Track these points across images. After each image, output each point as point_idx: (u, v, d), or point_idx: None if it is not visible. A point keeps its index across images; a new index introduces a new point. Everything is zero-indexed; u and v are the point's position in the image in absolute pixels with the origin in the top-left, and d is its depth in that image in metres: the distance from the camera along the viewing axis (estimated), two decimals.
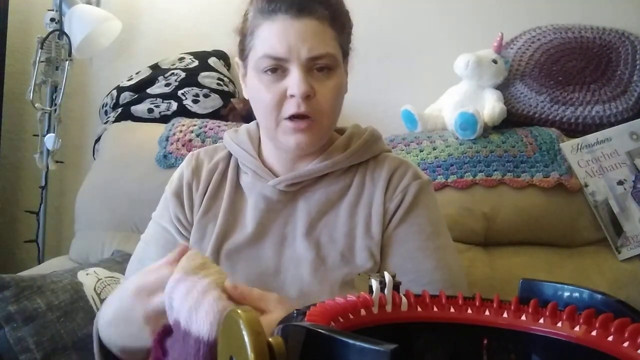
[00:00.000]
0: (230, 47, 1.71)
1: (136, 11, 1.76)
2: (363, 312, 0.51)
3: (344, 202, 0.88)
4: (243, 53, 0.85)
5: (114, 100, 1.59)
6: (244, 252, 0.85)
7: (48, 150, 1.63)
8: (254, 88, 0.82)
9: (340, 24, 0.82)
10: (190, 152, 0.96)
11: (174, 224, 0.90)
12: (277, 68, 0.79)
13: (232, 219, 0.88)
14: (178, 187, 0.91)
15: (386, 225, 0.86)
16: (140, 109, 1.53)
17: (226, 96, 1.56)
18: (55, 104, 1.64)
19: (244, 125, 0.97)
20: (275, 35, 0.78)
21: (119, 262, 1.23)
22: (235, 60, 0.89)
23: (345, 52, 0.86)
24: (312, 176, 0.87)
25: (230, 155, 0.94)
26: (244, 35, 0.83)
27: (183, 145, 1.39)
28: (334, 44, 0.80)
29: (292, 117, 0.79)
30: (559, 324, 0.50)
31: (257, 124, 0.93)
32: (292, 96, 0.78)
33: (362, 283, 0.79)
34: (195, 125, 1.44)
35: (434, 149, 1.40)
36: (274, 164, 0.90)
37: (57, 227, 1.82)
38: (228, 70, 1.67)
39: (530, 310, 0.53)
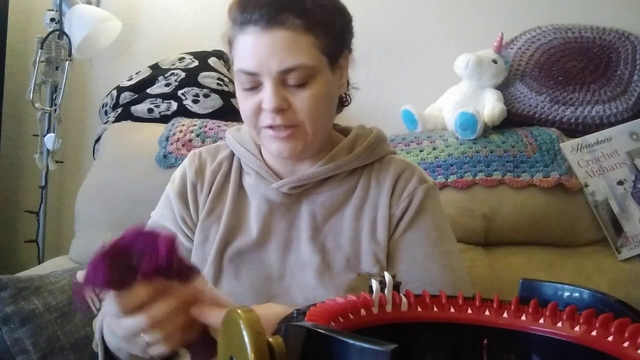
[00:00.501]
0: None
1: (136, 11, 1.76)
2: (363, 312, 0.51)
3: (348, 206, 0.86)
4: (231, 60, 0.84)
5: (114, 100, 1.59)
6: (247, 256, 0.84)
7: (48, 150, 1.63)
8: (238, 96, 0.83)
9: (320, 29, 0.77)
10: (192, 151, 0.94)
11: (178, 224, 0.88)
12: (252, 82, 0.78)
13: (235, 222, 0.87)
14: (182, 188, 0.90)
15: (392, 231, 0.85)
16: (140, 109, 1.53)
17: (226, 96, 1.56)
18: (55, 104, 1.64)
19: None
20: (246, 49, 0.77)
21: None
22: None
23: (335, 53, 0.82)
24: (316, 179, 0.86)
25: (233, 154, 0.93)
26: (229, 45, 0.82)
27: (183, 145, 1.39)
28: (310, 52, 0.76)
29: (272, 127, 0.79)
30: (559, 324, 0.50)
31: None
32: (265, 109, 0.78)
33: (362, 283, 0.79)
34: (195, 125, 1.44)
35: (434, 149, 1.40)
36: (276, 165, 0.88)
37: (57, 227, 1.82)
38: (228, 70, 1.66)
39: (530, 310, 0.53)
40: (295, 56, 0.75)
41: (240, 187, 0.90)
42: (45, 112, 1.65)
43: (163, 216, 0.90)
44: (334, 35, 0.80)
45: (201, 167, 0.91)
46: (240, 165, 0.91)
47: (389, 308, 0.53)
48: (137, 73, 1.63)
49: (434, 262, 0.85)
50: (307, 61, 0.76)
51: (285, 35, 0.75)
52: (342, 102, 0.95)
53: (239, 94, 0.81)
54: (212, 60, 1.62)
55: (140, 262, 0.56)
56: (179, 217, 0.88)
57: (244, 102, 0.80)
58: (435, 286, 0.82)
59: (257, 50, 0.76)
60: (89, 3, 1.69)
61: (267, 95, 0.76)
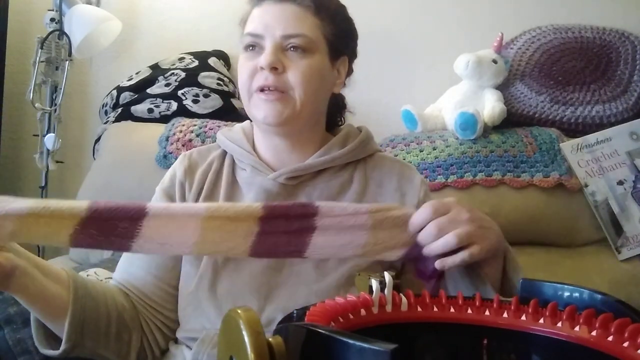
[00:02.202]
0: (230, 47, 1.72)
1: (136, 11, 1.76)
2: (363, 312, 0.51)
3: (345, 199, 0.89)
4: (241, 43, 0.88)
5: (114, 100, 1.59)
6: None
7: (48, 150, 1.63)
8: (239, 66, 0.87)
9: (326, 16, 0.85)
10: (183, 153, 0.96)
11: None
12: (255, 45, 0.84)
13: None
14: (169, 187, 0.92)
15: None
16: (140, 109, 1.53)
17: (226, 96, 1.56)
18: (55, 104, 1.64)
19: (238, 125, 0.98)
20: (257, 17, 0.85)
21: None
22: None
23: (337, 50, 0.88)
24: (312, 170, 0.89)
25: (224, 153, 0.94)
26: (243, 26, 0.88)
27: (183, 145, 1.39)
28: (313, 30, 0.84)
29: (263, 90, 0.82)
30: (559, 324, 0.50)
31: (250, 122, 0.95)
32: (262, 69, 0.82)
33: (362, 283, 0.79)
34: (195, 125, 1.44)
35: (434, 149, 1.40)
36: (270, 159, 0.90)
37: None
38: (228, 70, 1.67)
39: (530, 310, 0.53)
40: (300, 26, 0.83)
41: (233, 182, 0.91)
42: (45, 112, 1.65)
43: None
44: (337, 29, 0.87)
45: (191, 167, 0.92)
46: (233, 162, 0.93)
47: (389, 308, 0.53)
48: (137, 73, 1.63)
49: None
50: (309, 34, 0.83)
51: (295, 9, 0.83)
52: (336, 122, 1.00)
53: (241, 61, 0.86)
54: (212, 60, 1.63)
55: None
56: None
57: (244, 67, 0.85)
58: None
59: (266, 16, 0.84)
60: (89, 3, 1.69)
61: (265, 54, 0.82)
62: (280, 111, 0.82)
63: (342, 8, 0.91)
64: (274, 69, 0.81)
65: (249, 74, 0.84)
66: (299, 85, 0.82)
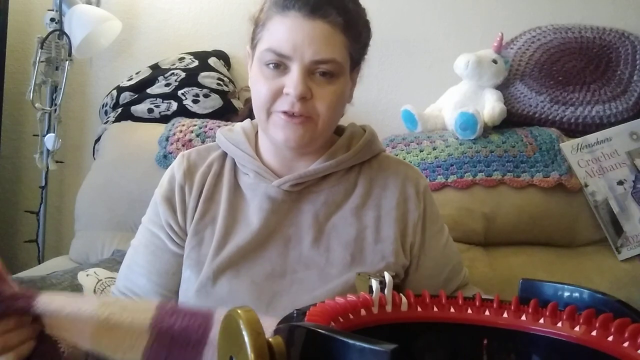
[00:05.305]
0: (230, 47, 1.72)
1: (136, 11, 1.76)
2: (363, 312, 0.51)
3: (349, 203, 0.87)
4: (252, 42, 0.84)
5: (114, 100, 1.59)
6: (247, 255, 0.83)
7: (48, 150, 1.63)
8: (255, 78, 0.82)
9: (354, 33, 0.81)
10: (181, 153, 0.92)
11: (164, 229, 0.87)
12: (279, 64, 0.78)
13: (232, 222, 0.86)
14: (169, 191, 0.88)
15: (413, 230, 0.88)
16: (140, 109, 1.53)
17: (226, 96, 1.56)
18: (55, 104, 1.64)
19: (239, 124, 0.94)
20: (283, 31, 0.77)
21: (119, 262, 1.22)
22: (247, 48, 0.87)
23: (356, 62, 0.85)
24: (317, 176, 0.86)
25: (224, 155, 0.91)
26: (257, 25, 0.83)
27: (183, 145, 1.39)
28: (342, 51, 0.79)
29: (286, 112, 0.79)
30: (559, 324, 0.50)
31: (251, 122, 0.93)
32: (287, 94, 0.78)
33: (362, 283, 0.79)
34: (195, 125, 1.44)
35: (434, 149, 1.40)
36: (273, 163, 0.88)
37: (57, 227, 1.82)
38: (228, 70, 1.67)
39: (530, 310, 0.53)
40: (331, 50, 0.77)
41: (236, 186, 0.88)
42: (45, 112, 1.65)
43: (151, 221, 0.89)
44: (360, 44, 0.84)
45: (190, 169, 0.89)
46: (235, 165, 0.90)
47: (389, 308, 0.53)
48: (137, 73, 1.63)
49: (447, 247, 0.94)
50: (339, 58, 0.78)
51: (325, 28, 0.77)
52: None
53: (259, 75, 0.80)
54: (212, 60, 1.63)
55: None
56: (164, 222, 0.87)
57: (262, 84, 0.79)
58: (459, 269, 0.95)
59: (294, 35, 0.76)
60: (89, 3, 1.69)
61: (293, 81, 0.77)
62: (302, 135, 0.80)
63: (366, 18, 0.86)
64: (302, 97, 0.77)
65: (271, 95, 0.79)
66: (325, 112, 0.79)
